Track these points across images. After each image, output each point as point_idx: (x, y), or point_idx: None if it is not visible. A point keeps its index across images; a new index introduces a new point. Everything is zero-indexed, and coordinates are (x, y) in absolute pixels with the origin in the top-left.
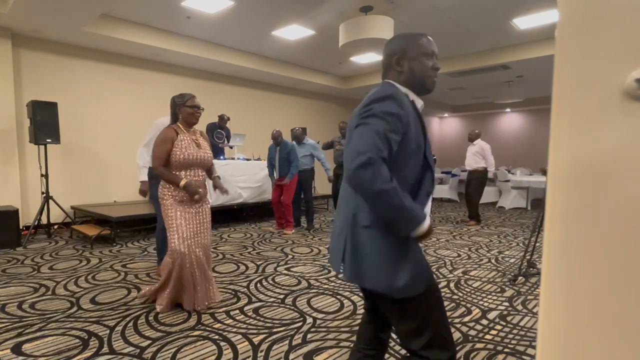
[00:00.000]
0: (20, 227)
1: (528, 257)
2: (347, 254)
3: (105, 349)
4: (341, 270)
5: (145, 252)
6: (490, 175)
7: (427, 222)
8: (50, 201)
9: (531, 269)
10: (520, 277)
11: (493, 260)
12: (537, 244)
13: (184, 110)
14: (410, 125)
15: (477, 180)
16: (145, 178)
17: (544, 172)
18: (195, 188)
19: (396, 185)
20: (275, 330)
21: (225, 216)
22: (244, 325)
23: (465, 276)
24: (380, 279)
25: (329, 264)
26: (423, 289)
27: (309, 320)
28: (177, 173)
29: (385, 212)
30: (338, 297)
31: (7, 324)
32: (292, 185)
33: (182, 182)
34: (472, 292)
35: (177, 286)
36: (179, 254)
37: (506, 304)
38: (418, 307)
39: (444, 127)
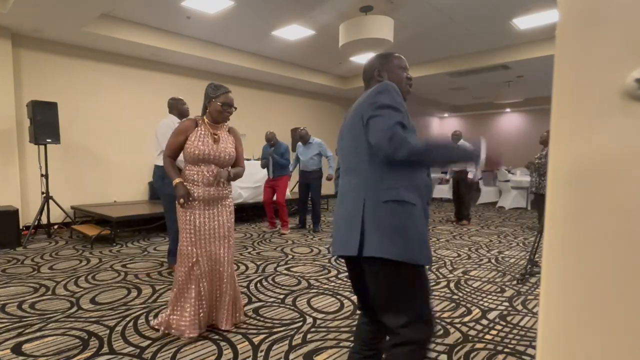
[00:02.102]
0: (20, 227)
1: (531, 257)
2: (367, 231)
3: (105, 349)
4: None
5: (146, 253)
6: (475, 177)
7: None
8: (50, 201)
9: (536, 268)
10: (527, 276)
11: (493, 260)
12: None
13: (212, 105)
14: (407, 112)
15: (465, 180)
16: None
17: (528, 167)
18: (183, 193)
19: (426, 142)
20: (275, 330)
21: None
22: (244, 325)
23: (465, 276)
24: (395, 245)
25: (329, 264)
26: (429, 263)
27: (309, 320)
28: (192, 167)
29: (440, 160)
30: (338, 297)
31: (7, 324)
32: (284, 184)
33: (176, 181)
34: (472, 292)
35: (201, 300)
36: (193, 257)
37: (506, 304)
38: (413, 281)
39: (444, 127)
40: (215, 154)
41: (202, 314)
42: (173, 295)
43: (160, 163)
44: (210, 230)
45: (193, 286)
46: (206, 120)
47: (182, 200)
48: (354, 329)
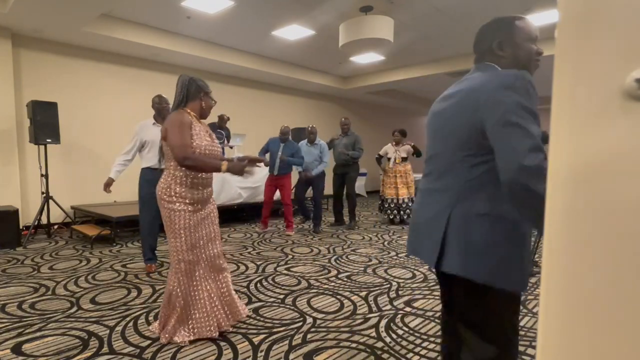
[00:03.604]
0: (20, 227)
1: (531, 257)
2: (450, 244)
3: (105, 349)
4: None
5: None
6: None
7: None
8: (50, 201)
9: (536, 268)
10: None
11: None
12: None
13: (206, 100)
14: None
15: None
16: (115, 177)
17: None
18: (241, 166)
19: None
20: (275, 330)
21: (225, 216)
22: (244, 325)
23: None
24: (482, 266)
25: (329, 264)
26: (526, 287)
27: (309, 320)
28: (188, 171)
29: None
30: (338, 297)
31: (7, 324)
32: (289, 183)
33: (225, 166)
34: None
35: (212, 299)
36: (183, 262)
37: None
38: (501, 308)
39: None
40: (214, 152)
41: (217, 313)
42: (180, 305)
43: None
44: (206, 230)
45: (200, 287)
46: (192, 114)
47: (248, 170)
48: (354, 328)
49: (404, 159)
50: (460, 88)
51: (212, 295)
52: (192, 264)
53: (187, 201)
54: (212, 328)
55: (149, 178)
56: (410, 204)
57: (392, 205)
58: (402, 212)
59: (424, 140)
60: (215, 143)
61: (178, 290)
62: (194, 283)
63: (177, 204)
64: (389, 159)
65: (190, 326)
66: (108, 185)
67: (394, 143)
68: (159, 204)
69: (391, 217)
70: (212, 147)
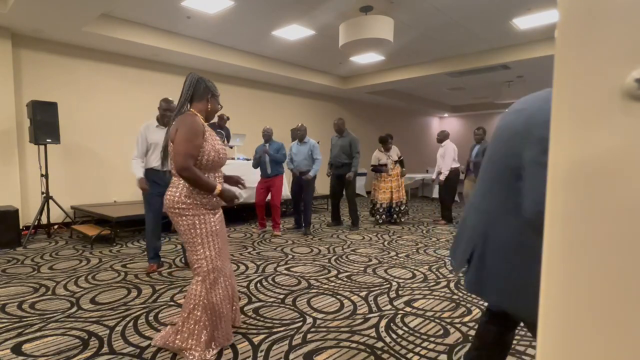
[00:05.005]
0: (20, 227)
1: None
2: (475, 265)
3: (105, 349)
4: (461, 274)
5: (146, 253)
6: (442, 177)
7: None
8: (50, 201)
9: None
10: None
11: None
12: None
13: (213, 103)
14: None
15: (447, 181)
16: (142, 174)
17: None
18: (233, 192)
19: None
20: (275, 330)
21: (225, 216)
22: (244, 325)
23: None
24: (521, 302)
25: (329, 264)
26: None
27: (309, 320)
28: (209, 175)
29: None
30: (338, 297)
31: (7, 324)
32: (280, 184)
33: (218, 189)
34: None
35: (215, 317)
36: (215, 270)
37: None
38: None
39: (443, 127)
40: (225, 157)
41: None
42: (207, 317)
43: (138, 171)
44: (223, 234)
45: (224, 294)
46: (201, 117)
47: (236, 200)
48: (354, 328)
49: (395, 162)
50: (525, 108)
51: (232, 294)
52: (219, 272)
53: (208, 207)
54: (231, 335)
55: (154, 178)
56: (397, 208)
57: (386, 210)
58: (394, 215)
59: (423, 140)
60: (225, 149)
61: (206, 301)
62: (220, 291)
63: (199, 212)
64: (385, 165)
65: (218, 336)
66: (142, 182)
67: (382, 149)
68: (171, 217)
69: (380, 221)
70: (225, 153)
